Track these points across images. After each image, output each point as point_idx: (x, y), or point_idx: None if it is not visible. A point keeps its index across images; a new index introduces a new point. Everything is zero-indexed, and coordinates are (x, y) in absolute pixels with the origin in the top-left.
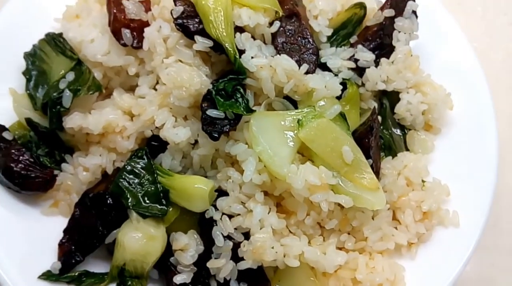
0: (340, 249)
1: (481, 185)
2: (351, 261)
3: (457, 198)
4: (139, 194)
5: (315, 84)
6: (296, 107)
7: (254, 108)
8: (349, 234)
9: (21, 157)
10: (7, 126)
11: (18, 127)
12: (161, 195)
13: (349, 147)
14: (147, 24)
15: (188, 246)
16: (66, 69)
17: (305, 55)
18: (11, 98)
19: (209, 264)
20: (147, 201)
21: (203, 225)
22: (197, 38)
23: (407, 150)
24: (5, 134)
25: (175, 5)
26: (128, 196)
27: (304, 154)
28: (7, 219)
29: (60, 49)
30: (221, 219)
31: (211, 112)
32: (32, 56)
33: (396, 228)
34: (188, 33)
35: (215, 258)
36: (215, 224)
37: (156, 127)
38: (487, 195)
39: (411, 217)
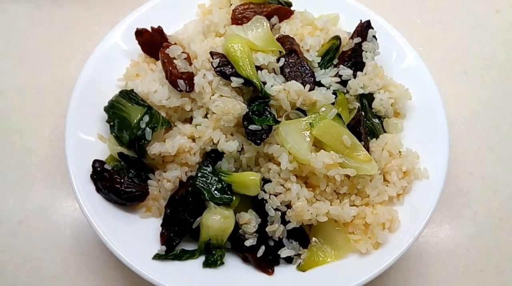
0: (352, 206)
1: (439, 148)
2: (361, 212)
3: (424, 159)
4: (212, 190)
5: (317, 97)
6: (306, 115)
7: (278, 119)
8: (356, 194)
9: (122, 180)
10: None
11: (110, 160)
12: (226, 188)
13: (347, 136)
14: (192, 74)
15: (250, 220)
16: (141, 113)
17: (306, 78)
18: (98, 142)
19: (268, 229)
20: (218, 194)
21: (258, 204)
22: (233, 78)
23: (385, 132)
24: (106, 166)
25: (213, 58)
26: (205, 192)
27: (317, 145)
28: (119, 225)
29: (134, 100)
30: (269, 198)
31: (252, 127)
32: (112, 108)
33: (387, 185)
34: (225, 76)
35: (270, 225)
36: (266, 202)
37: (213, 143)
38: (444, 155)
39: (395, 176)
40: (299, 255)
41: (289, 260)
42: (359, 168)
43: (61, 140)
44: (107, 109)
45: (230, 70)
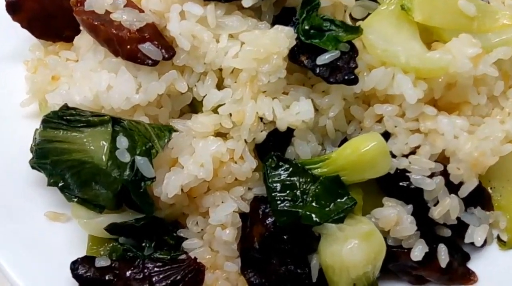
0: None
1: None
2: None
3: None
4: (313, 203)
5: None
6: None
7: (351, 25)
8: None
9: (145, 272)
10: (82, 254)
11: (96, 244)
12: (334, 186)
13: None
14: (154, 25)
15: (399, 216)
16: (107, 138)
17: None
18: (55, 227)
19: (435, 214)
20: (328, 204)
21: (393, 183)
22: None
23: None
24: (100, 263)
25: None
26: (306, 213)
27: (426, 40)
28: None
29: (79, 121)
30: (410, 162)
31: (322, 60)
32: (45, 157)
33: None
34: None
35: (434, 205)
36: (409, 172)
37: (264, 123)
38: None
39: None
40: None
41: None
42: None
43: None
44: (38, 162)
45: None
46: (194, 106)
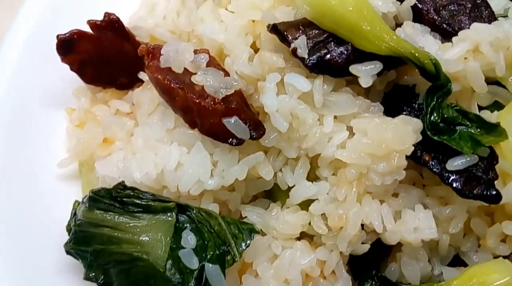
0: None
1: None
2: None
3: None
4: None
5: None
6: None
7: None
8: None
9: None
10: None
11: None
12: None
13: None
14: (241, 93)
15: None
16: (169, 230)
17: (483, 9)
18: None
19: None
20: None
21: None
22: (355, 68)
23: None
24: None
25: (286, 38)
26: None
27: None
28: None
29: (137, 205)
30: None
31: (455, 165)
32: (87, 244)
33: None
34: (338, 69)
35: None
36: None
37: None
38: None
39: None
40: None
41: None
42: None
43: None
44: (76, 248)
45: (344, 52)
46: (272, 193)
